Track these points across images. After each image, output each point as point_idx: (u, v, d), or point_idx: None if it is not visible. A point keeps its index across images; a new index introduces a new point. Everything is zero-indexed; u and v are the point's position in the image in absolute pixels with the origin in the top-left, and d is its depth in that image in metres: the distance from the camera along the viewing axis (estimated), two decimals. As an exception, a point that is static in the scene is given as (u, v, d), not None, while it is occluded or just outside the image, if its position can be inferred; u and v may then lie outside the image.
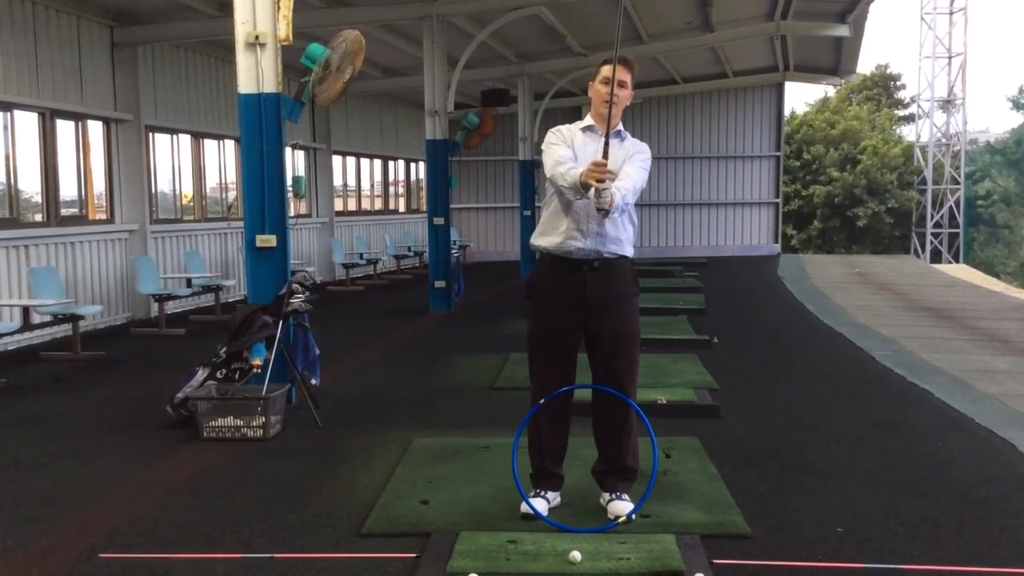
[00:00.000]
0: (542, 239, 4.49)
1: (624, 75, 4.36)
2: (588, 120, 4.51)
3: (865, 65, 45.82)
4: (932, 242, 34.26)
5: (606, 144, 4.20)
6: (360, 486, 5.07)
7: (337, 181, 19.28)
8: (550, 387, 4.44)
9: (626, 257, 4.48)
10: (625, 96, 4.41)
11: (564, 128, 4.54)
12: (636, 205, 4.47)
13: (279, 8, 6.72)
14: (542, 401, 4.42)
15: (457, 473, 5.21)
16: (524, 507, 4.42)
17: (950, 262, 32.00)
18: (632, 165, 4.42)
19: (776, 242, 25.05)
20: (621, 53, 4.29)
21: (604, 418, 4.51)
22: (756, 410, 6.90)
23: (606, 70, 4.35)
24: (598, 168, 4.07)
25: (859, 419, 6.64)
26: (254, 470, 5.46)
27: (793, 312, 13.40)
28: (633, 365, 4.54)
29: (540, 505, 4.45)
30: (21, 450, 6.01)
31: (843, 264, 23.44)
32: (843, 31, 18.27)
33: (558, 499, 4.59)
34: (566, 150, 4.41)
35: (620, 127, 4.47)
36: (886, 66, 42.19)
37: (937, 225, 34.48)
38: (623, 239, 4.45)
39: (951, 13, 34.37)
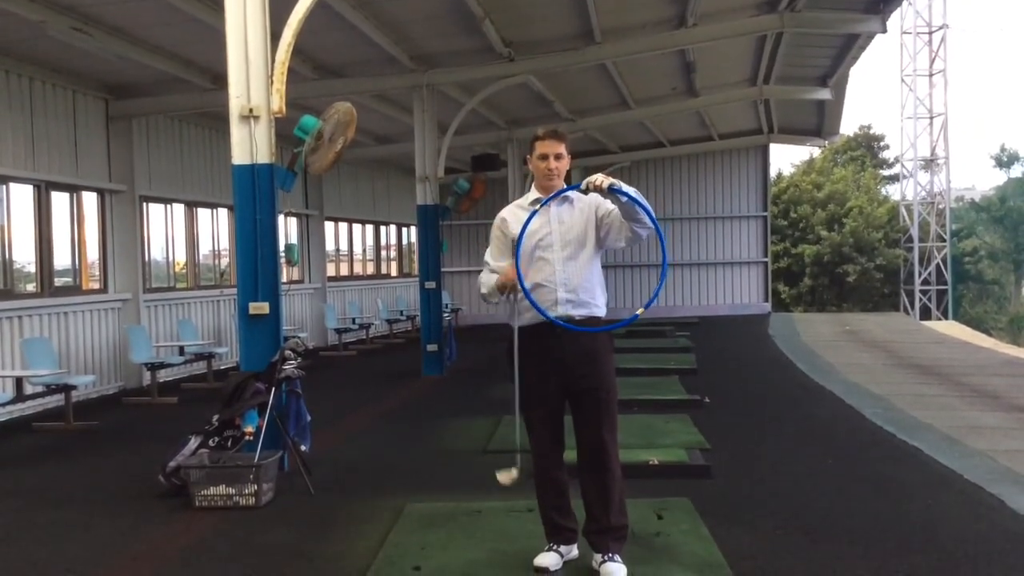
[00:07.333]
0: (517, 321, 4.56)
1: (558, 147, 4.55)
2: (535, 193, 4.66)
3: (848, 126, 46.71)
4: (921, 299, 34.48)
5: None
6: (353, 553, 5.06)
7: (330, 246, 19.46)
8: (542, 444, 4.56)
9: (597, 318, 4.56)
10: (563, 165, 4.60)
11: (510, 210, 4.72)
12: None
13: (272, 82, 6.89)
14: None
15: (450, 538, 5.22)
16: (537, 560, 4.55)
17: (939, 319, 32.17)
18: (606, 205, 4.52)
19: (766, 300, 25.24)
20: (552, 126, 4.63)
21: (587, 476, 4.57)
22: (747, 469, 6.93)
23: (540, 146, 4.58)
24: (508, 280, 4.42)
25: (850, 477, 6.67)
26: (247, 539, 5.45)
27: (784, 371, 13.46)
28: (612, 419, 4.58)
29: (551, 559, 4.55)
30: (13, 522, 5.99)
31: (833, 322, 23.57)
32: (825, 94, 18.66)
33: (574, 551, 4.66)
34: (496, 263, 4.61)
35: (567, 192, 4.57)
36: (869, 127, 43.16)
37: (925, 282, 34.75)
38: (595, 294, 4.54)
39: (931, 75, 35.04)
